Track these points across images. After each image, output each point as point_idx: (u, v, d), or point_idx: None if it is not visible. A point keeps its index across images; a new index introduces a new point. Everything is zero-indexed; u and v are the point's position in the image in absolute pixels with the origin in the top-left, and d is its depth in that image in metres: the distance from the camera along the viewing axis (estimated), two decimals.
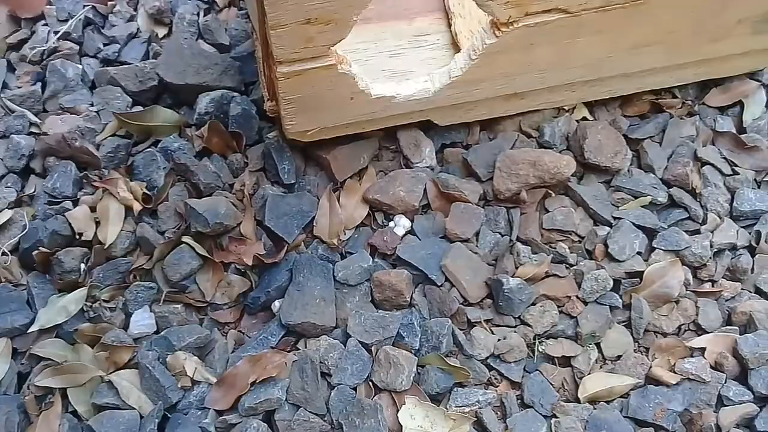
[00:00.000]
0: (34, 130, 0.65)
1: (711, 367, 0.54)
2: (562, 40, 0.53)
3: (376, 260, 0.59)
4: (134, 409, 0.53)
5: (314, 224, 0.60)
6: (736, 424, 0.52)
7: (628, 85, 0.60)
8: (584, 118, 0.64)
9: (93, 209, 0.61)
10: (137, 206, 0.60)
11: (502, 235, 0.60)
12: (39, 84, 0.68)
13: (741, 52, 0.59)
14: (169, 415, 0.54)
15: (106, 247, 0.59)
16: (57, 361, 0.55)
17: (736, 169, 0.62)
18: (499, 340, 0.55)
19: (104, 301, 0.59)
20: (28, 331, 0.56)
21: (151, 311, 0.58)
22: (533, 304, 0.57)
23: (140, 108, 0.66)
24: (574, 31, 0.52)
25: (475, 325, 0.56)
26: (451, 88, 0.55)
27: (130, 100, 0.66)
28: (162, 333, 0.57)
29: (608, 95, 0.61)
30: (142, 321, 0.58)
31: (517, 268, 0.58)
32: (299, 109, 0.54)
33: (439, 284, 0.57)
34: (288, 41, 0.48)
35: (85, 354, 0.56)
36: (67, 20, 0.71)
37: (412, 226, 0.60)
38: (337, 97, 0.53)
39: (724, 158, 0.62)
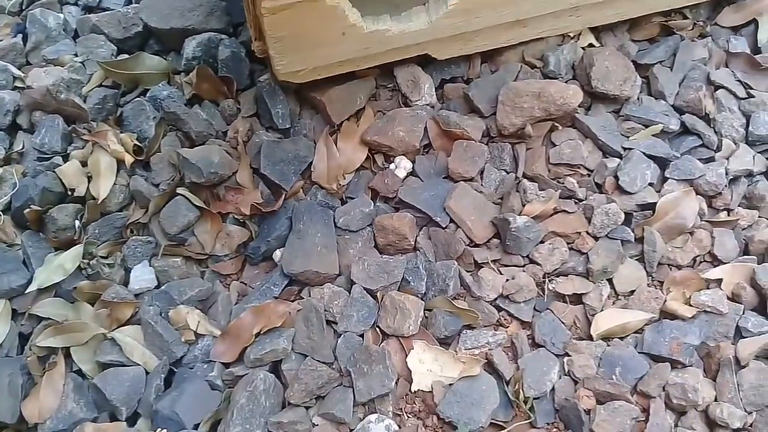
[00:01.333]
0: (18, 84, 0.63)
1: (728, 298, 0.52)
2: None
3: (377, 204, 0.57)
4: (139, 365, 0.53)
5: (312, 169, 0.58)
6: (756, 356, 0.50)
7: (637, 6, 0.57)
8: (591, 45, 0.61)
9: (84, 164, 0.59)
10: (129, 159, 0.58)
11: (508, 172, 0.57)
12: (20, 36, 0.65)
13: None
14: (174, 370, 0.53)
15: (99, 202, 0.57)
16: (57, 320, 0.54)
17: (752, 91, 0.59)
18: (507, 280, 0.54)
19: (102, 257, 0.57)
20: (26, 292, 0.55)
21: (150, 266, 0.57)
22: (542, 242, 0.55)
23: (126, 56, 0.63)
24: None
25: (483, 266, 0.55)
26: (449, 17, 0.52)
27: (115, 48, 0.64)
28: (163, 287, 0.55)
29: (616, 18, 0.58)
30: (142, 276, 0.56)
31: (524, 205, 0.56)
32: (288, 48, 0.51)
33: (444, 226, 0.55)
34: None
35: (85, 312, 0.55)
36: None
37: (413, 167, 0.58)
38: (327, 33, 0.51)
39: (739, 81, 0.59)
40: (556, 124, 0.58)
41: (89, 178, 0.58)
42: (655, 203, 0.54)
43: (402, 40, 0.54)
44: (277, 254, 0.55)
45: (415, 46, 0.55)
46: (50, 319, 0.54)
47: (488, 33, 0.56)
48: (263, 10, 0.47)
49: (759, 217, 0.55)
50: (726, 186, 0.55)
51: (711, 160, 0.56)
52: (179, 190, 0.56)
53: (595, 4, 0.55)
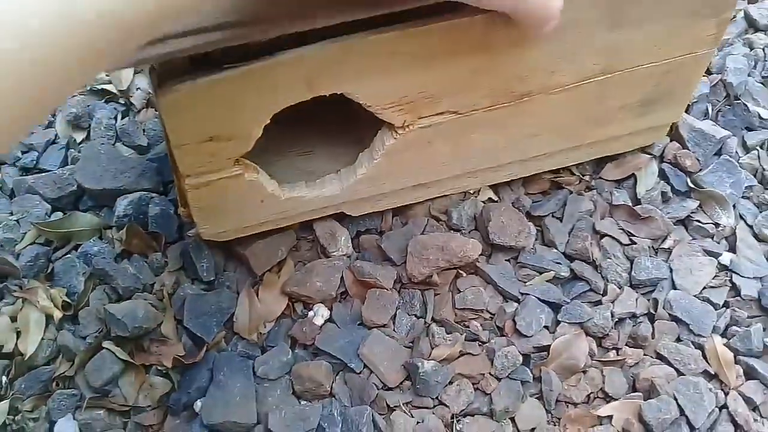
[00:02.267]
0: None
1: None
2: (458, 136, 0.56)
3: (296, 351, 0.61)
4: None
5: (234, 320, 0.61)
6: None
7: (526, 168, 0.64)
8: (489, 199, 0.67)
9: (13, 319, 0.61)
10: (58, 314, 0.61)
11: (418, 317, 0.62)
12: None
13: (629, 132, 0.63)
14: None
15: (26, 358, 0.59)
16: None
17: (634, 238, 0.66)
18: (417, 422, 0.57)
19: (27, 411, 0.59)
20: None
21: (74, 419, 0.58)
22: (450, 383, 0.59)
23: (60, 214, 0.67)
24: (467, 128, 0.56)
25: (395, 410, 0.58)
26: (359, 184, 0.58)
27: (50, 206, 0.68)
28: None
29: (509, 178, 0.65)
30: (65, 430, 0.58)
31: (432, 349, 0.60)
32: (211, 215, 0.56)
33: (358, 371, 0.59)
34: (192, 157, 0.50)
35: None
36: None
37: (331, 315, 0.62)
38: (247, 202, 0.56)
39: (622, 229, 0.66)
40: (461, 272, 0.64)
41: (18, 334, 0.61)
42: (550, 345, 0.60)
43: (317, 203, 0.59)
44: (198, 405, 0.58)
45: (330, 207, 0.61)
46: None
47: (396, 194, 0.62)
48: (186, 186, 0.52)
49: (644, 355, 0.61)
50: (612, 327, 0.61)
51: (598, 303, 0.62)
52: (105, 344, 0.59)
53: (489, 168, 0.62)
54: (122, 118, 0.74)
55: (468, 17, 0.46)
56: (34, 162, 0.71)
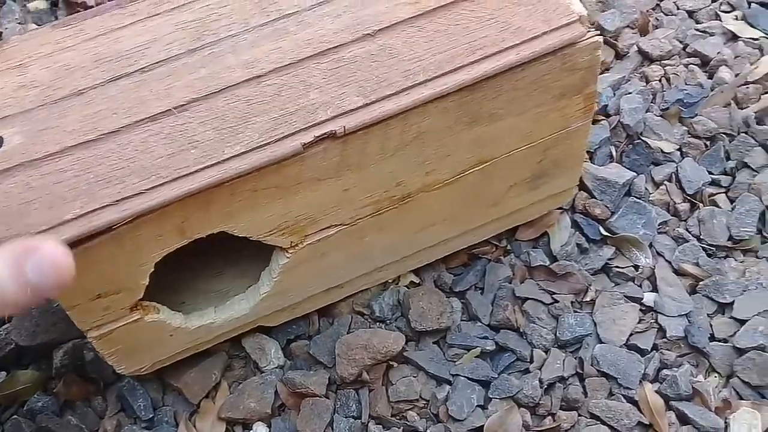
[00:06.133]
0: None
1: None
2: (351, 244, 0.58)
3: None
4: None
5: None
6: None
7: (434, 254, 0.65)
8: (412, 283, 0.69)
9: None
10: None
11: (355, 418, 0.63)
12: None
13: (528, 204, 0.64)
14: None
15: None
16: None
17: (555, 296, 0.66)
18: None
19: None
20: None
21: None
22: None
23: (4, 374, 0.69)
24: (358, 234, 0.57)
25: None
26: (266, 301, 0.59)
27: None
28: None
29: (420, 264, 0.66)
30: None
31: None
32: (123, 357, 0.57)
33: None
34: (86, 314, 0.51)
35: None
36: None
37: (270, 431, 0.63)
38: (154, 340, 0.57)
39: (543, 289, 0.67)
40: (392, 363, 0.65)
41: None
42: (483, 425, 0.60)
43: (230, 325, 0.60)
44: None
45: (245, 324, 0.62)
46: None
47: (309, 300, 0.63)
48: (90, 338, 0.53)
49: (579, 416, 0.61)
50: (543, 394, 0.62)
51: (527, 371, 0.63)
52: None
53: (397, 261, 0.63)
54: None
55: (319, 147, 0.48)
56: None
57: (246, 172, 0.45)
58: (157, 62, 0.48)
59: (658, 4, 0.84)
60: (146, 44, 0.49)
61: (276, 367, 0.66)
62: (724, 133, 0.71)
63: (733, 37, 0.79)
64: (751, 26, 0.80)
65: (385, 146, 0.50)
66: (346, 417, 0.63)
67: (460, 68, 0.49)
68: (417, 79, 0.48)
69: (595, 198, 0.69)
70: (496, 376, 0.63)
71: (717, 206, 0.69)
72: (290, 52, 0.48)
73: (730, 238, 0.67)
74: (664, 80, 0.77)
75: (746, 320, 0.63)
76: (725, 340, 0.63)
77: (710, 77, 0.76)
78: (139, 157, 0.45)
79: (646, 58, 0.80)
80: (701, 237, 0.68)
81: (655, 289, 0.66)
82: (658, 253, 0.68)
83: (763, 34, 0.79)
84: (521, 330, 0.65)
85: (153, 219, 0.46)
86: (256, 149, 0.46)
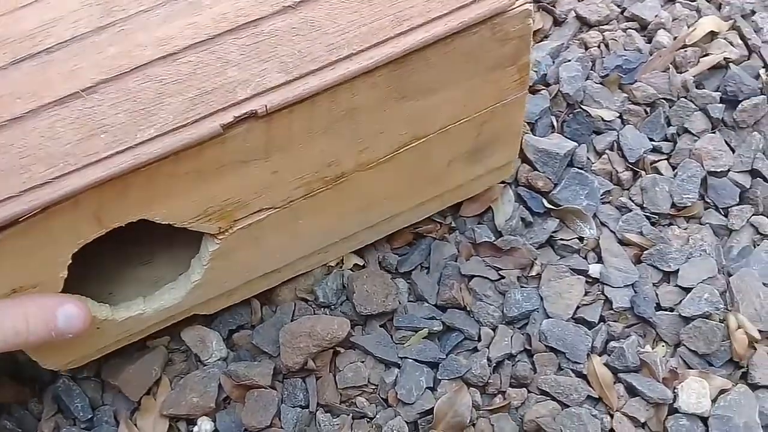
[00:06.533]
0: None
1: None
2: (285, 227, 0.55)
3: None
4: None
5: None
6: None
7: (374, 234, 0.64)
8: (356, 265, 0.67)
9: None
10: None
11: (303, 407, 0.61)
12: None
13: (470, 179, 0.63)
14: None
15: None
16: None
17: (501, 272, 0.65)
18: None
19: None
20: None
21: None
22: None
23: None
24: (291, 217, 0.55)
25: None
26: (199, 289, 0.57)
27: None
28: None
29: (360, 246, 0.64)
30: None
31: None
32: (48, 353, 0.54)
33: None
34: None
35: None
36: None
37: (215, 426, 0.61)
38: (82, 338, 0.54)
39: (489, 266, 0.66)
40: (339, 349, 0.63)
41: None
42: (433, 407, 0.59)
43: (162, 315, 0.58)
44: None
45: (179, 314, 0.59)
46: None
47: (246, 286, 0.61)
48: None
49: (528, 392, 0.60)
50: (492, 373, 0.61)
51: (475, 350, 0.62)
52: None
53: (337, 242, 0.61)
54: None
55: (241, 127, 0.45)
56: None
57: (161, 157, 0.43)
58: (63, 41, 0.45)
59: None
60: (51, 22, 0.46)
61: (218, 360, 0.64)
62: (663, 99, 0.71)
63: None
64: None
65: (312, 125, 0.48)
66: (293, 407, 0.61)
67: (386, 41, 0.47)
68: (342, 53, 0.46)
69: (538, 170, 0.68)
70: (444, 357, 0.61)
71: (659, 173, 0.68)
72: (205, 27, 0.45)
73: (673, 205, 0.67)
74: (602, 46, 0.76)
75: (691, 288, 0.62)
76: (671, 309, 0.63)
77: (649, 41, 0.75)
78: (45, 144, 0.42)
79: (584, 23, 0.79)
80: (644, 205, 0.67)
81: (600, 261, 0.66)
82: (602, 223, 0.67)
83: None
84: (468, 308, 0.64)
85: (64, 209, 0.43)
86: (172, 132, 0.43)
